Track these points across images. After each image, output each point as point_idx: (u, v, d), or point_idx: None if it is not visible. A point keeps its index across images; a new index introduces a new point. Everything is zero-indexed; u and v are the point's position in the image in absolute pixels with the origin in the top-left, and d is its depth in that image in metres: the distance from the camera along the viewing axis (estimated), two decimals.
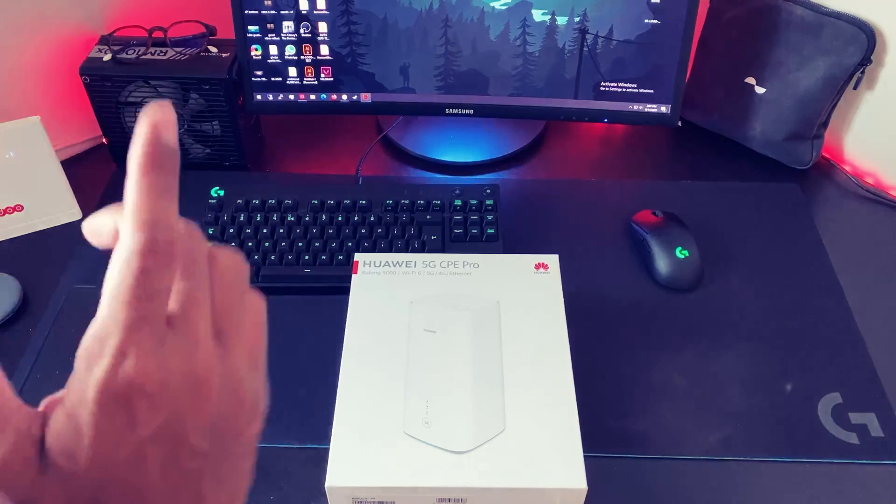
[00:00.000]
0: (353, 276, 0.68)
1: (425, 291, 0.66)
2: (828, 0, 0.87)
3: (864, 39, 0.84)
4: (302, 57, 0.90)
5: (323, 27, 0.88)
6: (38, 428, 0.26)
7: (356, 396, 0.59)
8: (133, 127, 0.90)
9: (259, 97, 0.92)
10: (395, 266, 0.68)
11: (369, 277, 0.68)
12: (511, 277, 0.67)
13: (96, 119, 0.92)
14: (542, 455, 0.55)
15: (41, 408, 0.27)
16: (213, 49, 0.91)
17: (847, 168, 0.96)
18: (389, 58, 0.90)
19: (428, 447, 0.55)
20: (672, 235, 0.83)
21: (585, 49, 0.87)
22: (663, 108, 0.91)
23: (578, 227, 0.89)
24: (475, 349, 0.61)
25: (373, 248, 0.82)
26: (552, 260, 0.69)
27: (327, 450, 0.56)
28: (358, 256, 0.69)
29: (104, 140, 0.96)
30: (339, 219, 0.85)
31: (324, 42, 0.89)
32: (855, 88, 0.89)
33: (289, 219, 0.85)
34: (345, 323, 0.64)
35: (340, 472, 0.54)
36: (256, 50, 0.89)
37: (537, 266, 0.68)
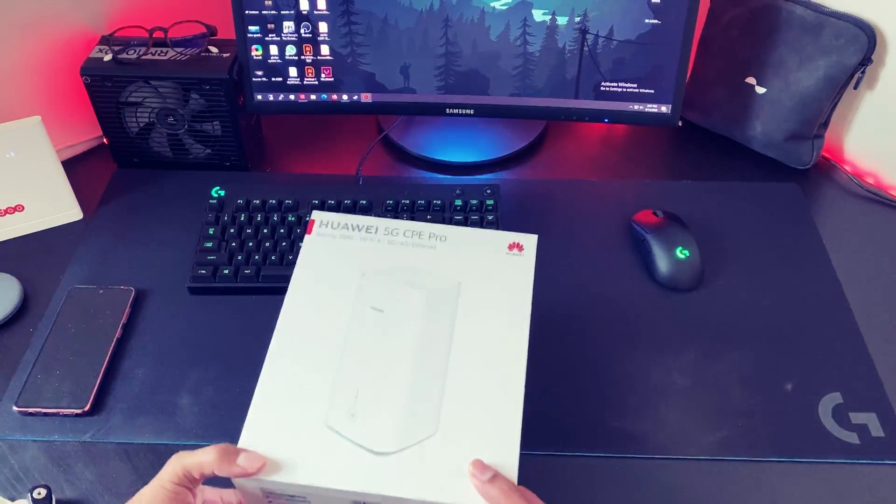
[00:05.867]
0: (307, 236, 0.60)
1: (381, 263, 0.58)
2: (828, 0, 0.87)
3: (864, 39, 0.84)
4: (302, 57, 0.90)
5: (323, 27, 0.88)
6: None
7: (280, 379, 0.52)
8: (133, 128, 0.91)
9: (259, 97, 0.92)
10: (353, 230, 0.60)
11: (323, 240, 0.60)
12: (479, 256, 0.58)
13: (97, 119, 0.92)
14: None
15: None
16: (214, 49, 0.91)
17: (847, 168, 0.96)
18: (390, 58, 0.90)
19: (348, 445, 0.50)
20: (672, 235, 0.83)
21: (586, 49, 0.87)
22: (664, 108, 0.91)
23: (578, 227, 0.89)
24: (422, 336, 0.54)
25: None
26: (529, 240, 0.59)
27: None
28: (315, 214, 0.61)
29: (104, 140, 0.96)
30: None
31: (324, 42, 0.89)
32: (855, 88, 0.89)
33: (289, 219, 0.85)
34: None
35: None
36: (257, 50, 0.89)
37: (511, 246, 0.59)
